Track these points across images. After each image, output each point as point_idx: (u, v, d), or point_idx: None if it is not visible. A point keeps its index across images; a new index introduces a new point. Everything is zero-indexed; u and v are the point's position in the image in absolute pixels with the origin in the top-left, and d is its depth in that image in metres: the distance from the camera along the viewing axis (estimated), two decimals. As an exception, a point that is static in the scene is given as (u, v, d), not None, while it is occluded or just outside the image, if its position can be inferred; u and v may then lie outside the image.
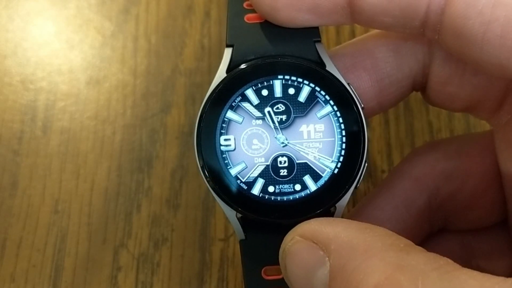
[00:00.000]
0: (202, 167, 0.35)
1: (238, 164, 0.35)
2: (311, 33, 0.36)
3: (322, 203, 0.35)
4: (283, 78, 0.35)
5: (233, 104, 0.35)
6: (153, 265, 0.47)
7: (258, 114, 0.35)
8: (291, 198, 0.35)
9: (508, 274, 0.26)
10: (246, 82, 0.35)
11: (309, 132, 0.35)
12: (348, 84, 0.35)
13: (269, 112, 0.35)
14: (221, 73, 0.35)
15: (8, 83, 0.53)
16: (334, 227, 0.30)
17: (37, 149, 0.50)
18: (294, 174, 0.35)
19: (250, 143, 0.35)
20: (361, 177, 0.35)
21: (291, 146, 0.35)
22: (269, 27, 0.35)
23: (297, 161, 0.35)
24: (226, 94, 0.35)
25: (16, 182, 0.49)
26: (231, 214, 0.35)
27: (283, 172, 0.35)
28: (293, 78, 0.35)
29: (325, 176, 0.35)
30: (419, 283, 0.25)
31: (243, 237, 0.35)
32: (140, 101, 0.52)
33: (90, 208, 0.49)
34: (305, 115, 0.35)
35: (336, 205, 0.35)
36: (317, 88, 0.35)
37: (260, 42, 0.36)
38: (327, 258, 0.29)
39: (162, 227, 0.48)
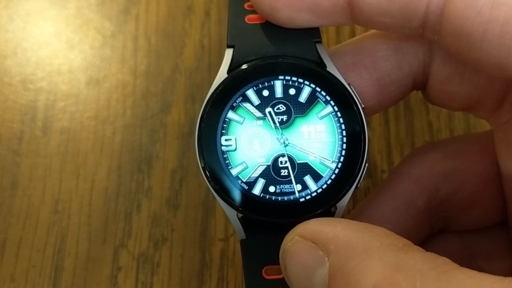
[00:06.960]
0: (203, 168, 0.35)
1: (239, 164, 0.35)
2: (312, 34, 0.36)
3: (322, 203, 0.35)
4: (284, 79, 0.35)
5: (234, 104, 0.35)
6: (153, 265, 0.47)
7: (259, 114, 0.35)
8: (291, 198, 0.35)
9: (508, 274, 0.26)
10: (247, 82, 0.35)
11: (309, 132, 0.35)
12: (348, 84, 0.35)
13: (270, 112, 0.35)
14: (222, 74, 0.35)
15: (8, 83, 0.53)
16: (333, 227, 0.30)
17: (37, 149, 0.50)
18: (295, 174, 0.35)
19: (251, 144, 0.35)
20: (362, 177, 0.35)
21: (292, 146, 0.35)
22: (270, 28, 0.36)
23: (298, 161, 0.35)
24: (227, 95, 0.35)
25: (16, 182, 0.49)
26: (232, 214, 0.35)
27: (284, 172, 0.35)
28: (294, 78, 0.35)
29: (326, 176, 0.35)
30: (417, 283, 0.25)
31: (244, 237, 0.35)
32: (140, 101, 0.52)
33: (90, 208, 0.49)
34: (306, 115, 0.35)
35: (337, 205, 0.35)
36: (318, 89, 0.35)
37: (261, 42, 0.36)
38: (326, 258, 0.29)
39: (162, 227, 0.48)
